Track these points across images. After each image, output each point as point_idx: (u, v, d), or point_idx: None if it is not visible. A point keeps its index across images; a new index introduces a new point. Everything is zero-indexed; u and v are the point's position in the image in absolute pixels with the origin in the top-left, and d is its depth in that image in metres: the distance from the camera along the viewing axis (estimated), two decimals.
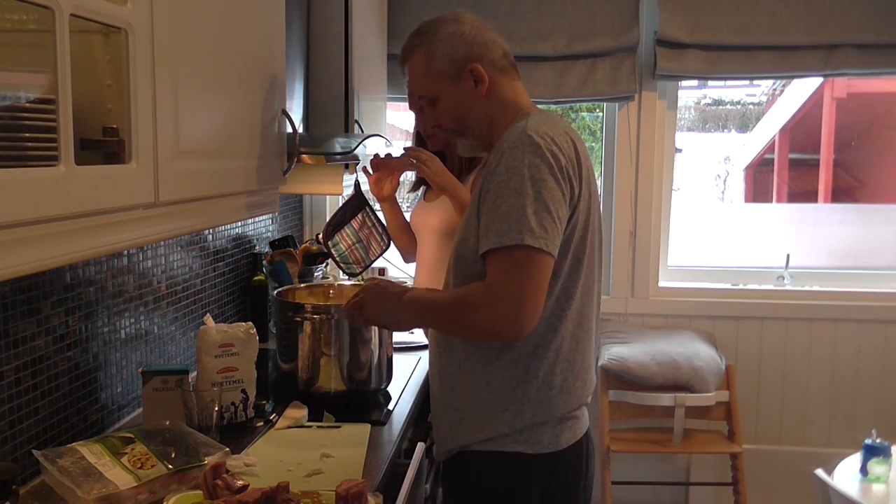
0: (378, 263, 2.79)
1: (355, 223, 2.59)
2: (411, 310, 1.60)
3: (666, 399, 3.11)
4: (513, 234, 1.43)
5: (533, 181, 1.45)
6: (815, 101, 4.56)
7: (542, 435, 1.57)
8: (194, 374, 1.94)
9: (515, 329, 1.45)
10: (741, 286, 3.61)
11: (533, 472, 1.57)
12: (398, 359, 2.29)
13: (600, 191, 3.64)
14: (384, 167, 2.37)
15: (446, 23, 1.63)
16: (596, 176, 1.69)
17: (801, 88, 4.55)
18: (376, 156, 2.36)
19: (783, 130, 4.70)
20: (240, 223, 2.63)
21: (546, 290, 1.48)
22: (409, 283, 2.95)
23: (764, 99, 4.71)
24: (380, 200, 2.60)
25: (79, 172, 1.04)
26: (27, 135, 1.01)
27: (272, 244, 2.82)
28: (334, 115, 2.59)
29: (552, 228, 1.45)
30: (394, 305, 1.61)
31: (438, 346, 1.67)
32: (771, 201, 4.98)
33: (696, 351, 3.20)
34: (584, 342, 1.62)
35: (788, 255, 3.61)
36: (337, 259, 2.56)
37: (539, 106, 3.68)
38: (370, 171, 2.45)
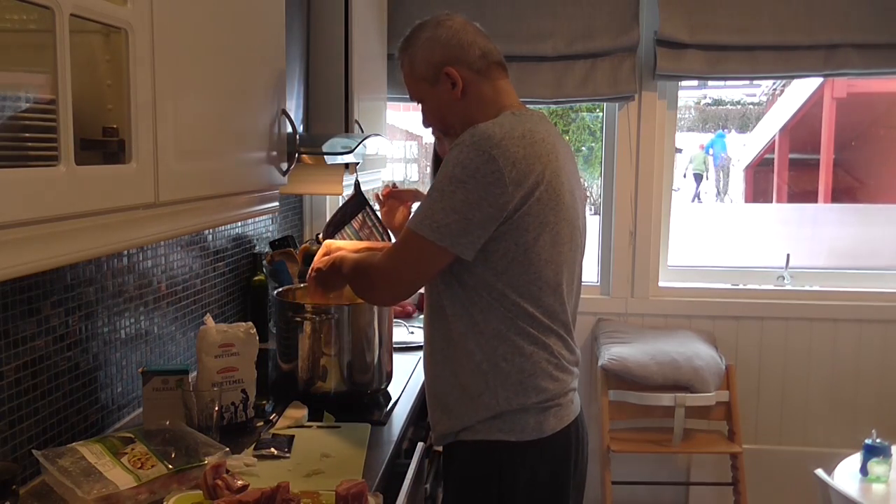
0: None
1: (355, 223, 2.58)
2: (343, 269, 1.80)
3: (666, 399, 3.11)
4: (416, 220, 1.57)
5: (452, 180, 1.53)
6: (815, 101, 4.57)
7: (525, 422, 1.61)
8: (194, 374, 1.94)
9: (380, 296, 1.77)
10: (741, 286, 3.61)
11: (517, 459, 1.61)
12: (398, 359, 2.29)
13: (600, 190, 3.65)
14: (395, 198, 2.35)
15: (428, 27, 1.71)
16: (583, 175, 1.71)
17: (801, 88, 4.56)
18: (386, 187, 2.35)
19: (783, 130, 4.70)
20: (240, 223, 2.63)
21: (428, 277, 1.64)
22: None
23: (764, 99, 4.71)
24: (392, 230, 2.57)
25: (79, 172, 1.04)
26: (27, 135, 1.01)
27: (272, 244, 2.82)
28: (334, 115, 2.59)
29: (456, 226, 1.53)
30: (335, 276, 1.83)
31: (424, 338, 1.77)
32: (771, 201, 4.99)
33: (696, 351, 3.20)
34: (557, 337, 1.66)
35: (788, 255, 3.61)
36: None
37: (539, 106, 3.71)
38: (381, 199, 2.42)
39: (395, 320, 2.27)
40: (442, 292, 1.65)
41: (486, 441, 1.63)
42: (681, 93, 3.55)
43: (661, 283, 3.57)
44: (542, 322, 1.63)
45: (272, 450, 1.73)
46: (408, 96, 1.79)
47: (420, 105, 1.77)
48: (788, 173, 4.83)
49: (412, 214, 1.63)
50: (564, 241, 1.64)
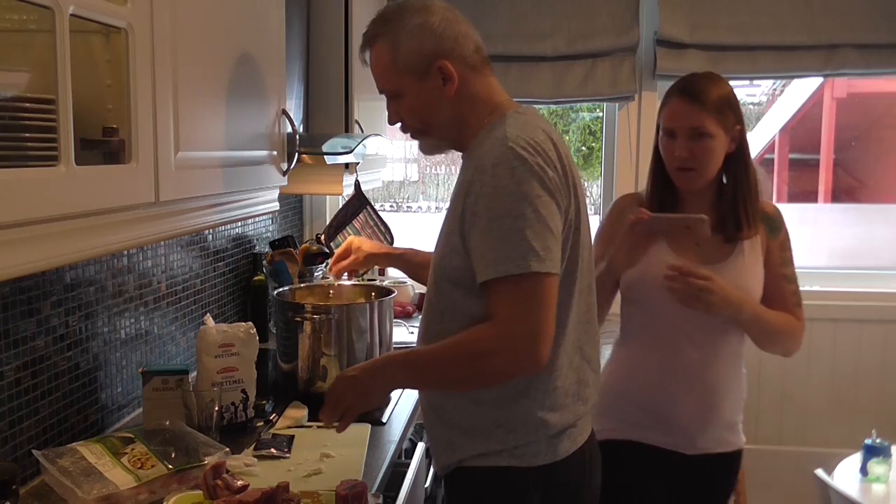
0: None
1: (357, 223, 2.59)
2: (403, 375, 1.49)
3: None
4: (517, 261, 1.33)
5: (527, 199, 1.34)
6: (815, 101, 4.56)
7: (538, 449, 1.46)
8: (194, 374, 1.94)
9: (536, 363, 1.36)
10: None
11: (530, 484, 1.47)
12: None
13: (600, 190, 3.65)
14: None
15: (414, 11, 1.47)
16: (583, 175, 1.62)
17: (801, 88, 4.55)
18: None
19: (783, 130, 4.70)
20: (240, 223, 2.63)
21: (556, 311, 1.38)
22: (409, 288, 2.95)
23: (764, 99, 4.71)
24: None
25: (79, 172, 1.04)
26: (27, 135, 1.01)
27: (272, 244, 2.82)
28: (334, 115, 2.59)
29: (554, 246, 1.36)
30: (378, 381, 1.49)
31: None
32: (771, 201, 4.99)
33: None
34: (583, 357, 1.54)
35: None
36: None
37: (539, 106, 3.71)
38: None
39: (395, 320, 2.27)
40: (467, 320, 1.43)
41: (496, 467, 1.47)
42: None
43: None
44: (578, 335, 1.50)
45: (272, 450, 1.73)
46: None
47: (391, 100, 1.53)
48: (788, 173, 4.82)
49: (482, 258, 1.37)
50: (588, 242, 1.54)
